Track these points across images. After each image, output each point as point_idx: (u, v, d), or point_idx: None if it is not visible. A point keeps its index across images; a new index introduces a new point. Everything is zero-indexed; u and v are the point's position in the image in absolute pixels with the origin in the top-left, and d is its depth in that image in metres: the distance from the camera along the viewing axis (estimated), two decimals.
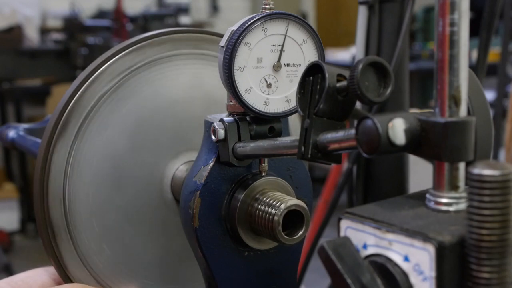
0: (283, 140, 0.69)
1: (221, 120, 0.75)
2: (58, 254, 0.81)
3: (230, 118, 0.75)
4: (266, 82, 0.73)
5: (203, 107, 0.87)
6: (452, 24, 0.51)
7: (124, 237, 0.84)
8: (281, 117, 0.75)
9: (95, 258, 0.82)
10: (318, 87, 0.59)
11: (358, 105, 0.64)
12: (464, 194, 0.53)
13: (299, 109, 0.61)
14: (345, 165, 1.23)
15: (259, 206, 0.73)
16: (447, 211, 0.53)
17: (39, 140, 1.02)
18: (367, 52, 1.15)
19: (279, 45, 0.73)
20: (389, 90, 0.55)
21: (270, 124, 0.75)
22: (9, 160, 5.18)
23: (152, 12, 6.00)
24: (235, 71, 0.71)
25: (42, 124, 1.16)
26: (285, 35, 0.72)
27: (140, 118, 0.84)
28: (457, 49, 0.51)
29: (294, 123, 0.89)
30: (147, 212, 0.85)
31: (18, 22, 5.13)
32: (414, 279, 0.50)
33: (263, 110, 0.73)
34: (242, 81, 0.72)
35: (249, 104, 0.72)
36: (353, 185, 1.20)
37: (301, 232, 0.72)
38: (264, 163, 0.76)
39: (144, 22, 5.55)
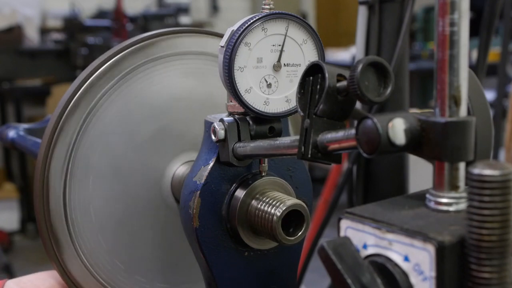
0: (283, 140, 0.69)
1: (221, 120, 0.74)
2: (60, 258, 0.81)
3: (230, 118, 0.75)
4: (266, 82, 0.73)
5: (204, 107, 0.87)
6: (452, 24, 0.51)
7: (124, 237, 0.84)
8: (281, 117, 0.75)
9: (96, 259, 0.82)
10: (318, 87, 0.59)
11: (358, 105, 0.64)
12: (464, 194, 0.53)
13: (299, 109, 0.61)
14: (345, 165, 1.23)
15: (259, 206, 0.73)
16: (447, 211, 0.53)
17: (39, 140, 1.02)
18: (367, 52, 1.15)
19: (279, 45, 0.72)
20: (389, 90, 0.55)
21: (270, 124, 0.75)
22: (9, 160, 5.17)
23: (152, 12, 6.00)
24: (235, 71, 0.71)
25: (42, 124, 1.16)
26: (285, 35, 0.72)
27: (140, 118, 0.84)
28: (457, 49, 0.51)
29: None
30: (148, 212, 0.85)
31: (18, 22, 5.12)
32: (414, 279, 0.50)
33: (263, 110, 0.73)
34: (242, 81, 0.71)
35: (249, 104, 0.72)
36: (353, 185, 1.20)
37: (301, 232, 0.72)
38: (264, 163, 0.76)
39: (144, 22, 5.55)
